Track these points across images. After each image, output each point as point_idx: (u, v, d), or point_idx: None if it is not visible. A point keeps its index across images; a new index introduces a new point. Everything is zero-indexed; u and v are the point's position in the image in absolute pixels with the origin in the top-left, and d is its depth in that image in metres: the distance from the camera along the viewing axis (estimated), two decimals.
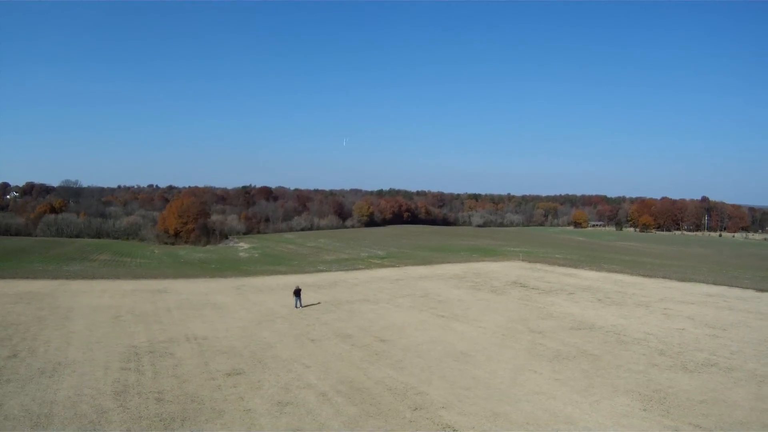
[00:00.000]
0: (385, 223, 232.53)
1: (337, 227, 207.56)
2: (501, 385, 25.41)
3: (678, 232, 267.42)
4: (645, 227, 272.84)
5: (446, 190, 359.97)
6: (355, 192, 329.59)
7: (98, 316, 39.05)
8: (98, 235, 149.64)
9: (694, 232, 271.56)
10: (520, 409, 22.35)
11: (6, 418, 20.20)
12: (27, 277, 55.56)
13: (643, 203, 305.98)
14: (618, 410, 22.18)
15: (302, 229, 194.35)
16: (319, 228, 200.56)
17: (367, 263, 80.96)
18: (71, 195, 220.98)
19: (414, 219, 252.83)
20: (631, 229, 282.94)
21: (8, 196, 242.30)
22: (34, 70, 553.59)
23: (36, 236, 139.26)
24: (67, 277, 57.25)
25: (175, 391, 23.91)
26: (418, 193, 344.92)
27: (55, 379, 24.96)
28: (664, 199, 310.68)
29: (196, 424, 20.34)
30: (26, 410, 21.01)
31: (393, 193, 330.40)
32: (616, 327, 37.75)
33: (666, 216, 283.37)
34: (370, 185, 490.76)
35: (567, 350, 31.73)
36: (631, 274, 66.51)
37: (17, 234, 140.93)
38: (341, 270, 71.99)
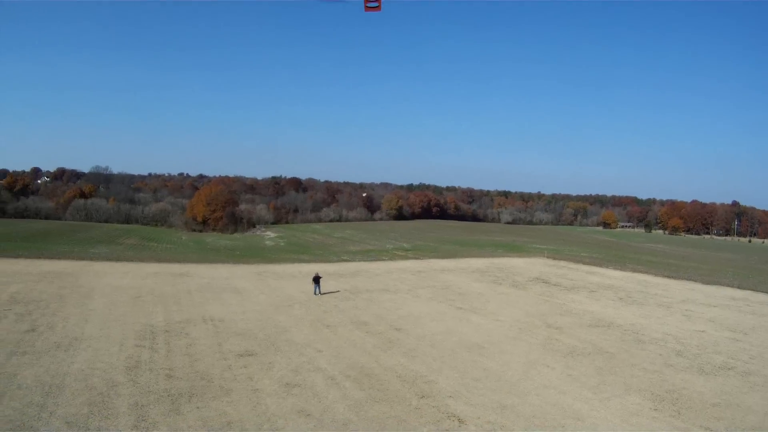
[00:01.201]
0: (413, 217, 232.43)
1: (366, 220, 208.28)
2: (512, 378, 25.43)
3: (707, 236, 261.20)
4: (674, 230, 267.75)
5: (476, 186, 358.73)
6: (385, 185, 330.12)
7: (119, 296, 40.10)
8: (127, 220, 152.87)
9: (724, 237, 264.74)
10: (528, 402, 22.37)
11: (19, 387, 21.01)
12: (52, 258, 57.23)
13: (673, 206, 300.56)
14: (628, 408, 22.03)
15: (330, 221, 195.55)
16: (347, 220, 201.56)
17: (392, 255, 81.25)
18: (101, 181, 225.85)
19: (443, 214, 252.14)
20: (661, 231, 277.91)
21: (39, 181, 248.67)
22: (67, 56, 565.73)
23: (65, 220, 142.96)
24: (91, 259, 58.81)
25: (185, 369, 24.52)
26: (447, 189, 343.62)
27: (70, 353, 25.81)
28: (694, 202, 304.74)
29: (202, 401, 20.85)
30: (39, 380, 21.82)
31: (423, 187, 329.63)
32: (634, 326, 37.40)
33: (695, 219, 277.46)
34: (400, 179, 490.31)
35: (582, 347, 31.56)
36: (656, 274, 65.66)
37: (47, 217, 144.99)
38: (364, 260, 72.47)
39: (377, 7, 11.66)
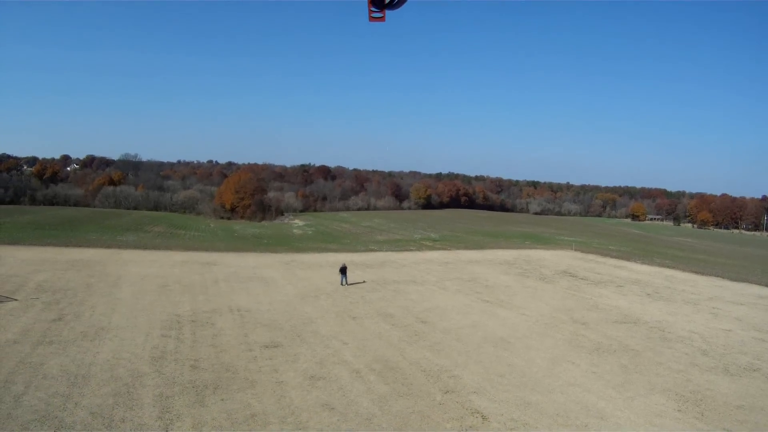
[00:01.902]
0: (442, 206, 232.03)
1: (394, 208, 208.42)
2: (536, 374, 25.16)
3: (736, 231, 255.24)
4: (703, 224, 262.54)
5: (505, 176, 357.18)
6: (414, 174, 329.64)
7: (146, 284, 40.63)
8: (155, 207, 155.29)
9: (753, 232, 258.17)
10: (552, 399, 22.09)
11: (45, 377, 21.37)
12: (80, 245, 58.26)
13: (702, 199, 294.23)
14: (652, 409, 21.61)
15: (359, 209, 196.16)
16: (375, 208, 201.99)
17: (419, 245, 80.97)
18: (130, 168, 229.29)
19: (471, 204, 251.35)
20: (689, 224, 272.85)
21: (69, 168, 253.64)
22: (97, 42, 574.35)
23: (94, 207, 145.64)
24: (119, 247, 59.73)
25: (211, 360, 24.72)
26: (476, 178, 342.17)
27: (97, 342, 26.20)
28: (723, 195, 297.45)
29: (227, 393, 20.97)
30: (65, 370, 22.17)
31: (451, 176, 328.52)
32: (661, 323, 36.68)
33: (725, 213, 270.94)
34: (429, 168, 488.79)
35: (608, 343, 31.07)
36: (683, 270, 64.25)
37: (76, 204, 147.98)
38: (392, 250, 72.33)
39: (382, 18, 11.52)
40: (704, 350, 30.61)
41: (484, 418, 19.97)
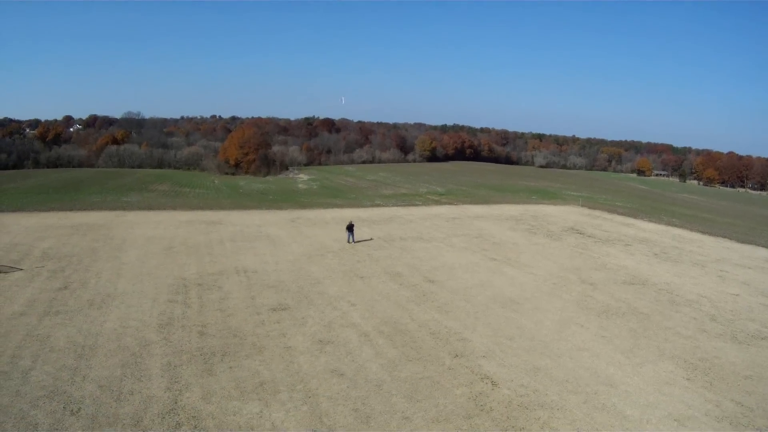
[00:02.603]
0: (447, 158, 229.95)
1: (399, 161, 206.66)
2: (545, 338, 25.02)
3: (742, 189, 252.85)
4: (709, 181, 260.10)
5: (510, 128, 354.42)
6: (419, 126, 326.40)
7: (151, 247, 40.48)
8: (159, 165, 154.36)
9: (759, 191, 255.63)
10: (561, 365, 21.97)
11: (52, 349, 21.31)
12: (85, 209, 57.89)
13: (708, 156, 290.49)
14: (661, 377, 21.44)
15: (363, 162, 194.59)
16: (380, 161, 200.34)
17: (425, 199, 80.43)
18: (133, 126, 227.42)
19: (476, 156, 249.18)
20: (695, 181, 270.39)
21: (71, 129, 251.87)
22: (97, 5, 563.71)
23: (98, 167, 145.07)
24: (124, 208, 59.41)
25: (218, 325, 24.64)
26: (482, 130, 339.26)
27: (103, 311, 26.12)
28: (730, 153, 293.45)
29: (235, 360, 20.90)
30: (72, 341, 22.12)
31: (456, 128, 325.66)
32: (669, 285, 36.28)
33: (731, 171, 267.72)
34: (434, 120, 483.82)
35: (617, 305, 30.84)
36: (691, 229, 63.42)
37: (80, 166, 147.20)
38: (398, 206, 71.89)
39: None
40: (712, 315, 30.27)
41: (494, 384, 19.87)
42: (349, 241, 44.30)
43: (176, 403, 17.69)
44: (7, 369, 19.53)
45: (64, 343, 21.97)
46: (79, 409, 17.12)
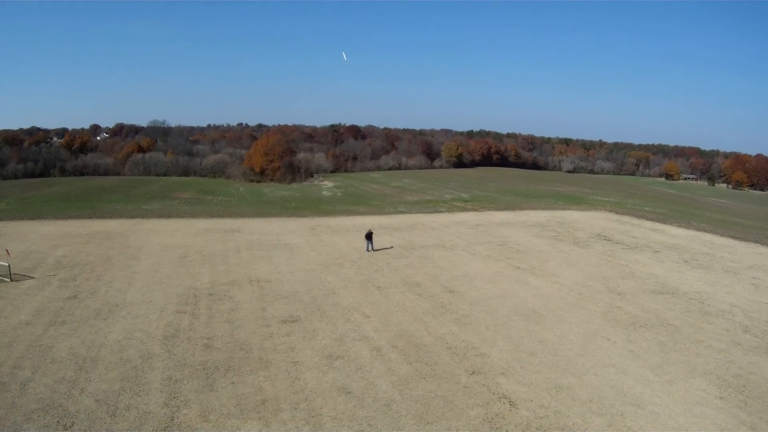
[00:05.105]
0: (473, 164, 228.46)
1: (425, 167, 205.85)
2: (569, 353, 23.82)
3: None
4: (738, 184, 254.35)
5: (537, 133, 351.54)
6: (445, 132, 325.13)
7: (165, 256, 40.24)
8: (185, 173, 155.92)
9: None
10: (585, 382, 20.79)
11: (53, 361, 20.95)
12: (104, 217, 58.17)
13: (737, 159, 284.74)
14: (692, 395, 20.12)
15: (389, 169, 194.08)
16: (406, 167, 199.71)
17: (450, 206, 79.33)
18: (159, 134, 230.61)
19: (503, 162, 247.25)
20: (724, 185, 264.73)
21: (98, 138, 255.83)
22: (124, 11, 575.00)
23: (124, 176, 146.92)
24: (143, 216, 59.59)
25: (225, 338, 24.06)
26: (508, 135, 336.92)
27: (109, 321, 25.76)
28: (759, 156, 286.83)
29: (238, 375, 20.25)
30: (74, 353, 21.73)
31: (483, 134, 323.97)
32: (700, 294, 34.64)
33: (760, 174, 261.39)
34: (460, 126, 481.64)
35: (645, 317, 29.42)
36: (722, 234, 61.11)
37: (106, 174, 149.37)
38: (421, 212, 70.96)
39: None
40: (746, 326, 28.66)
41: (512, 404, 18.83)
42: (368, 250, 43.52)
43: (172, 420, 17.08)
44: (6, 380, 19.25)
45: (66, 354, 21.60)
46: (73, 423, 16.67)
